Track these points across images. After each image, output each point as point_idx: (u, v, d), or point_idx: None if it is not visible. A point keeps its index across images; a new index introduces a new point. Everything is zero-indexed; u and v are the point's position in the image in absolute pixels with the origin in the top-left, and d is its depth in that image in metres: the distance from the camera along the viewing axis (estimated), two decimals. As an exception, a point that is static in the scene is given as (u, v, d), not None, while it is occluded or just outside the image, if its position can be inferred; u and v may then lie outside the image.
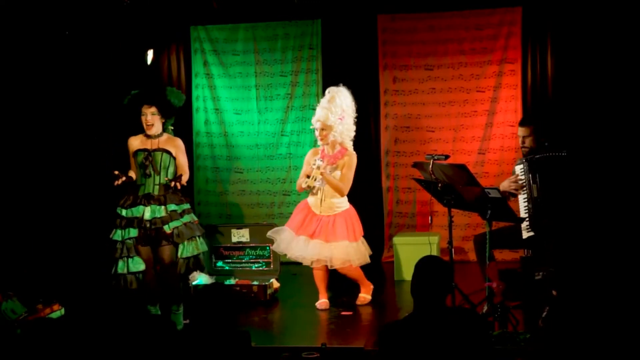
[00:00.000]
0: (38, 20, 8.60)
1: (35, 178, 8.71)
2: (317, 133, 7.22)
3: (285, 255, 7.37)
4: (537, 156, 6.46)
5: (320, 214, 7.21)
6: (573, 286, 6.25)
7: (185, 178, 6.94)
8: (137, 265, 6.76)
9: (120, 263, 6.74)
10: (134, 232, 6.74)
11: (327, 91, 7.30)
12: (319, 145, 7.37)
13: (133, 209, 6.77)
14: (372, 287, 7.47)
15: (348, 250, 7.16)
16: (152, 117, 6.84)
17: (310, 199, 7.31)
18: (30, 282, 7.70)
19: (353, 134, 7.34)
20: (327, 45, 9.50)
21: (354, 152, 7.28)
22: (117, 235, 6.77)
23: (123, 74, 9.30)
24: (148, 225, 6.72)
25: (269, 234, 7.44)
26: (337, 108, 7.15)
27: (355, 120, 7.35)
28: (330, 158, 7.21)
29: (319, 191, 7.20)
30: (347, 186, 7.18)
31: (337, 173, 7.18)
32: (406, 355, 4.01)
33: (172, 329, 4.72)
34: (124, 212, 6.78)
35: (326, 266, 7.24)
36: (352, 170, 7.20)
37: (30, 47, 8.64)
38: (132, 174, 6.89)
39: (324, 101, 7.23)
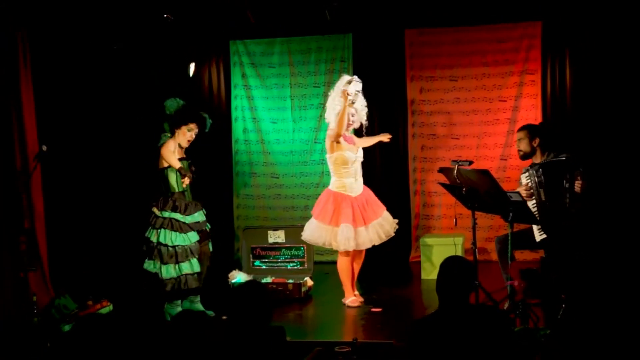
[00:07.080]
0: (90, 36, 8.82)
1: (83, 178, 8.81)
2: (351, 119, 7.37)
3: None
4: (542, 162, 6.72)
5: None
6: (582, 289, 6.37)
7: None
8: (196, 266, 7.10)
9: (185, 265, 7.02)
10: (196, 237, 7.11)
11: (352, 81, 7.28)
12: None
13: (194, 214, 7.12)
14: (353, 298, 7.40)
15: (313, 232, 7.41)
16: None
17: None
18: (81, 280, 7.92)
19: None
20: (357, 58, 9.65)
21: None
22: (180, 239, 7.01)
23: (167, 84, 9.43)
24: (202, 228, 7.19)
25: None
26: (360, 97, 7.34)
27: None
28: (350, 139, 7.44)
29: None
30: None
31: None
32: (433, 349, 4.10)
33: (213, 324, 4.88)
34: (187, 220, 7.07)
35: (352, 254, 7.36)
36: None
37: (82, 60, 8.83)
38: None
39: (357, 92, 7.25)
